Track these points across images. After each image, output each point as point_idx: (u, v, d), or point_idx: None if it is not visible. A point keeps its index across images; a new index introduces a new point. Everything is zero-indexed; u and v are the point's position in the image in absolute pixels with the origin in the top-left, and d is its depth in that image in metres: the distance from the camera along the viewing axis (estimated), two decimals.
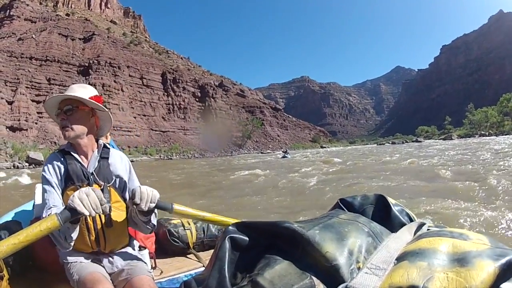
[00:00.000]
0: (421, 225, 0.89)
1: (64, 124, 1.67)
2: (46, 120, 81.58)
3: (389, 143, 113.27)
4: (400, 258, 0.68)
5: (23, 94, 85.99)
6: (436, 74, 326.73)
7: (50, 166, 1.66)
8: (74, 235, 1.47)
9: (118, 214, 1.69)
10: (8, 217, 2.37)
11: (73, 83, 1.69)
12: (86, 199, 1.26)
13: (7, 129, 76.42)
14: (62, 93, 1.73)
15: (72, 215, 1.23)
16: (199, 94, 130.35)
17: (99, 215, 1.60)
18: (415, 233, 0.84)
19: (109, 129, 1.91)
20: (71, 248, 1.53)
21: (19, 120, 79.87)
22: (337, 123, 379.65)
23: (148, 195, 1.48)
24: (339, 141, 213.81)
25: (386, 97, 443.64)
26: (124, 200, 1.74)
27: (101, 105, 1.75)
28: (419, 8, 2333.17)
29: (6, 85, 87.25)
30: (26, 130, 79.34)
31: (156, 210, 1.61)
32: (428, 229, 0.86)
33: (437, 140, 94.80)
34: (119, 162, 1.79)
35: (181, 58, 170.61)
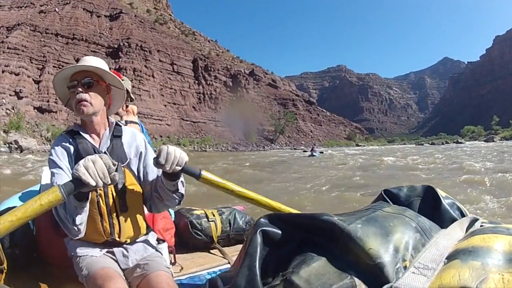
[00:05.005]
0: (473, 221, 0.87)
1: (83, 97, 1.60)
2: None
3: (428, 143, 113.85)
4: (450, 257, 0.66)
5: (51, 74, 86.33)
6: (488, 68, 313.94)
7: (58, 148, 1.62)
8: (83, 217, 1.42)
9: (134, 198, 1.65)
10: (12, 201, 2.27)
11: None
12: (92, 167, 1.18)
13: (35, 110, 78.68)
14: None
15: (77, 187, 1.15)
16: (230, 84, 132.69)
17: (113, 199, 1.57)
18: (467, 230, 0.82)
19: (118, 109, 1.89)
20: (81, 235, 1.48)
21: (48, 102, 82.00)
22: (375, 119, 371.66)
23: (176, 156, 1.42)
24: (376, 139, 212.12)
25: (431, 92, 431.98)
26: (140, 182, 1.70)
27: (121, 82, 1.75)
28: None
29: (32, 63, 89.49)
30: (56, 112, 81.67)
31: (183, 178, 1.60)
32: (481, 226, 0.83)
33: (475, 142, 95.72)
34: (134, 140, 1.75)
35: (209, 41, 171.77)
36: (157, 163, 1.43)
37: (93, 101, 1.65)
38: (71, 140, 1.67)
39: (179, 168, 1.45)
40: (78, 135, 1.68)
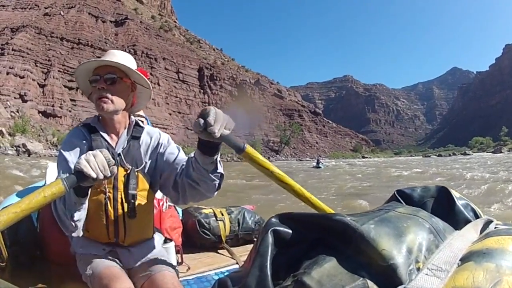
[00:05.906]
0: (488, 223, 0.87)
1: (104, 94, 1.54)
2: (80, 109, 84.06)
3: (436, 155, 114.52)
4: (464, 259, 0.67)
5: (56, 79, 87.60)
6: (497, 78, 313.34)
7: (70, 143, 1.59)
8: (81, 214, 1.41)
9: (144, 204, 1.61)
10: (14, 199, 2.22)
11: None
12: (93, 160, 1.19)
13: (40, 114, 78.24)
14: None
15: (79, 179, 1.19)
16: (236, 93, 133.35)
17: (122, 204, 1.55)
18: (481, 231, 0.83)
19: (143, 108, 1.87)
20: (78, 233, 1.47)
21: (53, 106, 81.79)
22: (382, 130, 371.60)
23: (224, 118, 1.24)
24: (383, 151, 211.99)
25: (439, 103, 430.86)
26: (154, 188, 1.67)
27: (148, 81, 1.68)
28: (480, 2, 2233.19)
29: (37, 66, 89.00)
30: (60, 117, 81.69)
31: (219, 158, 1.45)
32: (496, 227, 0.84)
33: (482, 153, 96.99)
34: (151, 142, 1.69)
35: (214, 50, 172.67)
36: (205, 123, 1.22)
37: (115, 98, 1.56)
38: (86, 135, 1.62)
39: (228, 132, 1.26)
40: (95, 132, 1.63)
